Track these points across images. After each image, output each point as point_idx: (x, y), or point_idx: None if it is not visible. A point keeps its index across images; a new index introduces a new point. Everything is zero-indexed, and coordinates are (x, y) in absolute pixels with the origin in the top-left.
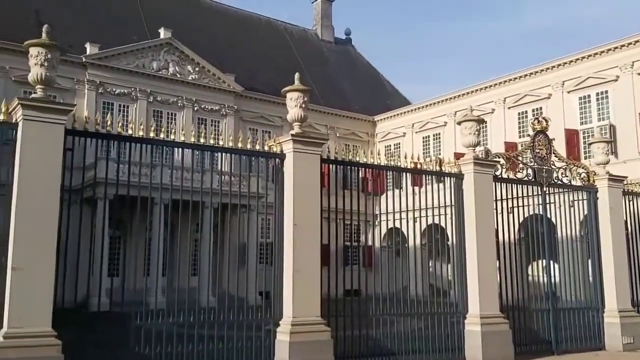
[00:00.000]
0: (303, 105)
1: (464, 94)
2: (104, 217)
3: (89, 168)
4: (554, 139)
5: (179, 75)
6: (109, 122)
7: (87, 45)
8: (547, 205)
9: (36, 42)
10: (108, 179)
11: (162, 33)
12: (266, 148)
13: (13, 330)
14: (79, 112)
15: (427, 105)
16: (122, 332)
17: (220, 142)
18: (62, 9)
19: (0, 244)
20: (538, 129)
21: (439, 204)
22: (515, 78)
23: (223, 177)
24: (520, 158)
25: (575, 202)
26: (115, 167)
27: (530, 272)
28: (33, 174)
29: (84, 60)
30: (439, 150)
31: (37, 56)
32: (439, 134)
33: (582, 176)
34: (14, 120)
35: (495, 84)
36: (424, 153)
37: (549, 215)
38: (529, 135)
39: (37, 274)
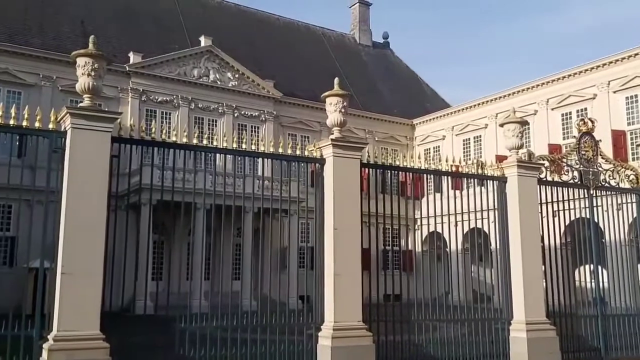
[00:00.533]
0: (342, 110)
1: (505, 96)
2: (149, 223)
3: (133, 174)
4: (600, 140)
5: (219, 82)
6: (153, 130)
7: (131, 55)
8: (594, 209)
9: (83, 52)
10: (148, 184)
11: (203, 41)
12: (306, 153)
13: (63, 333)
14: (123, 119)
15: (467, 108)
16: (167, 336)
17: (262, 148)
18: (106, 20)
19: (51, 249)
20: (584, 131)
21: (481, 208)
22: (559, 78)
23: (262, 182)
24: (565, 160)
25: (624, 205)
26: (159, 173)
27: (577, 277)
28: (81, 181)
29: (127, 69)
30: (480, 152)
31: (84, 66)
32: (480, 136)
33: (630, 178)
34: (62, 129)
35: (538, 85)
36: (464, 156)
37: (595, 219)
38: (573, 137)
39: (85, 278)
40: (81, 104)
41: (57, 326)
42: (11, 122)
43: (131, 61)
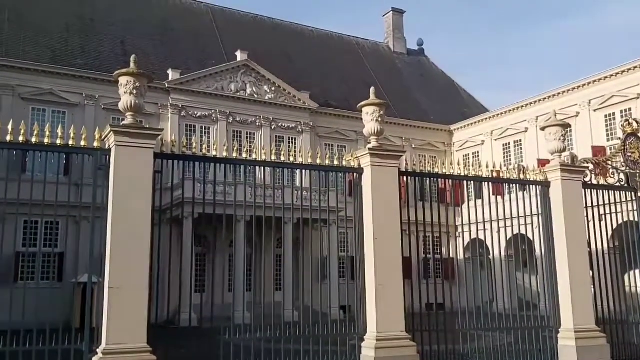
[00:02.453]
0: (379, 119)
1: (545, 98)
2: (192, 236)
3: (175, 188)
4: None
5: (256, 96)
6: (194, 145)
7: (170, 72)
8: None
9: (125, 71)
10: (190, 198)
11: (239, 55)
12: (344, 163)
13: (111, 347)
14: (164, 135)
15: (506, 112)
16: (211, 348)
17: (300, 159)
18: (145, 38)
19: (98, 264)
20: (629, 132)
21: (525, 214)
22: (600, 79)
23: (301, 192)
24: (610, 163)
25: None
26: (200, 187)
27: (626, 283)
28: (126, 197)
29: (167, 85)
30: (521, 157)
31: (126, 85)
32: (520, 140)
33: None
34: (107, 147)
35: (579, 86)
36: (504, 161)
37: None
38: (618, 138)
39: (132, 292)
40: (124, 122)
41: (105, 340)
42: (58, 141)
43: (170, 78)
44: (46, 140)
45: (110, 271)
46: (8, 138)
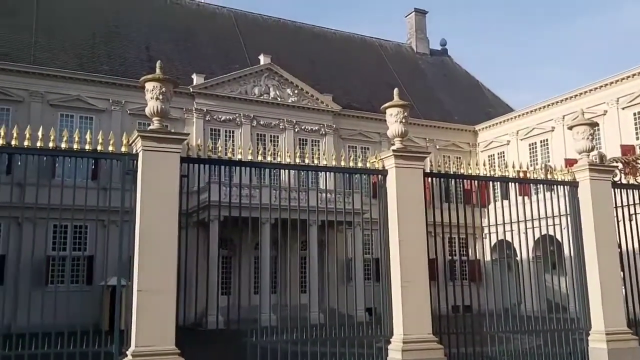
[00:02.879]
0: (403, 121)
1: (571, 97)
2: (218, 239)
3: (200, 192)
4: None
5: (279, 99)
6: (219, 149)
7: (194, 76)
8: None
9: (151, 77)
10: (216, 201)
11: (262, 59)
12: (368, 165)
13: (141, 349)
14: (189, 139)
15: (532, 111)
16: (237, 349)
17: (324, 162)
18: (169, 44)
19: (126, 267)
20: None
21: (553, 214)
22: (629, 76)
23: (325, 195)
24: None
25: None
26: (224, 190)
27: None
28: (153, 201)
29: (191, 90)
30: (547, 157)
31: (152, 90)
32: (547, 140)
33: None
34: (134, 151)
35: (606, 84)
36: (530, 161)
37: None
38: None
39: (161, 295)
40: (151, 127)
41: (134, 342)
42: (87, 147)
43: (194, 82)
44: (75, 146)
45: (139, 274)
46: (38, 144)
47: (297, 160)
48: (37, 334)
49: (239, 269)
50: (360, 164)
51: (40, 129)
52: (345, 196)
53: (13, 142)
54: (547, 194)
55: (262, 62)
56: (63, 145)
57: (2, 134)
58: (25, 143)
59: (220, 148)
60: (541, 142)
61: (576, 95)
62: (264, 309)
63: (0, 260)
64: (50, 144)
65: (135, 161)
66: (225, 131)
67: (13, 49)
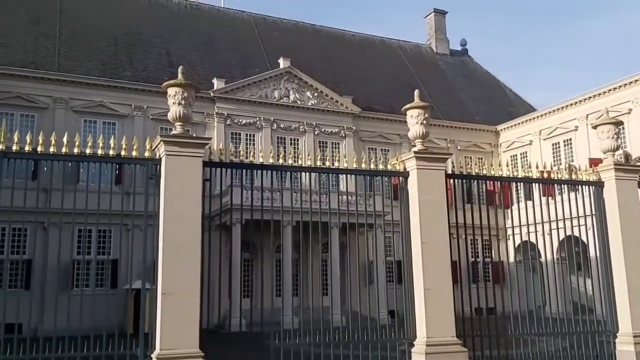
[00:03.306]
0: (424, 122)
1: (595, 96)
2: (239, 242)
3: (222, 195)
4: None
5: (299, 102)
6: (241, 152)
7: (214, 81)
8: None
9: (173, 82)
10: (238, 205)
11: (282, 63)
12: (389, 167)
13: (165, 352)
14: (211, 143)
15: (555, 110)
16: (261, 352)
17: (344, 164)
18: (189, 49)
19: (150, 270)
20: None
21: (577, 214)
22: None
23: (345, 197)
24: None
25: None
26: (246, 193)
27: None
28: (177, 205)
29: (212, 95)
30: (571, 156)
31: (174, 95)
32: (570, 139)
33: None
34: (157, 156)
35: (631, 82)
36: (554, 161)
37: None
38: None
39: (184, 298)
40: (173, 132)
41: (159, 345)
42: (110, 152)
43: (215, 87)
44: (100, 152)
45: (163, 278)
46: (64, 150)
47: (318, 163)
48: (63, 337)
49: (262, 272)
50: (381, 166)
51: (66, 135)
52: (367, 198)
53: (39, 149)
54: (572, 195)
55: (281, 66)
56: (88, 151)
57: (29, 140)
58: (51, 149)
59: (241, 152)
60: (564, 141)
61: (600, 94)
62: (286, 312)
63: (27, 265)
64: (75, 150)
65: (158, 166)
66: (246, 135)
67: (38, 56)
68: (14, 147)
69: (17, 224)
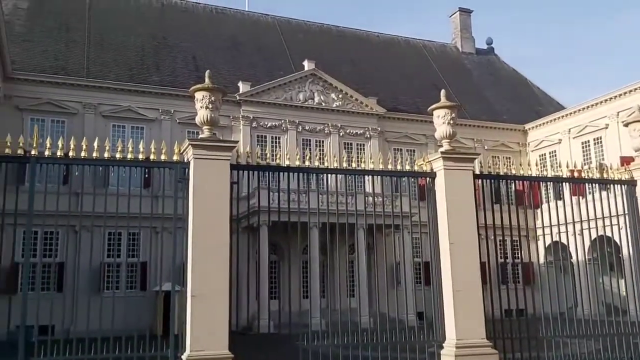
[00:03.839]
0: (451, 122)
1: (626, 93)
2: (267, 244)
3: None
4: None
5: (324, 104)
6: (268, 155)
7: (240, 84)
8: None
9: (201, 87)
10: (265, 207)
11: (306, 65)
12: (415, 167)
13: (195, 353)
14: (237, 146)
15: (584, 108)
16: (289, 354)
17: (370, 165)
18: (215, 53)
19: (179, 272)
20: None
21: (610, 214)
22: None
23: (371, 198)
24: None
25: None
26: (272, 195)
27: None
28: (205, 208)
29: (238, 98)
30: (602, 155)
31: (202, 99)
32: (600, 137)
33: None
34: (185, 160)
35: None
36: (584, 159)
37: None
38: None
39: (214, 300)
40: (201, 136)
41: (189, 346)
42: (140, 156)
43: (241, 90)
44: (129, 156)
45: (193, 280)
46: (94, 155)
47: (345, 165)
48: (95, 338)
49: (289, 274)
50: (408, 167)
51: (96, 140)
52: (393, 199)
53: (70, 154)
54: (603, 194)
55: (306, 68)
56: (118, 156)
57: (60, 146)
58: (83, 154)
59: (268, 154)
60: (595, 139)
61: (631, 91)
62: (314, 313)
63: (59, 268)
64: (106, 155)
65: (187, 169)
66: (272, 137)
67: (68, 63)
68: (46, 153)
69: (50, 227)
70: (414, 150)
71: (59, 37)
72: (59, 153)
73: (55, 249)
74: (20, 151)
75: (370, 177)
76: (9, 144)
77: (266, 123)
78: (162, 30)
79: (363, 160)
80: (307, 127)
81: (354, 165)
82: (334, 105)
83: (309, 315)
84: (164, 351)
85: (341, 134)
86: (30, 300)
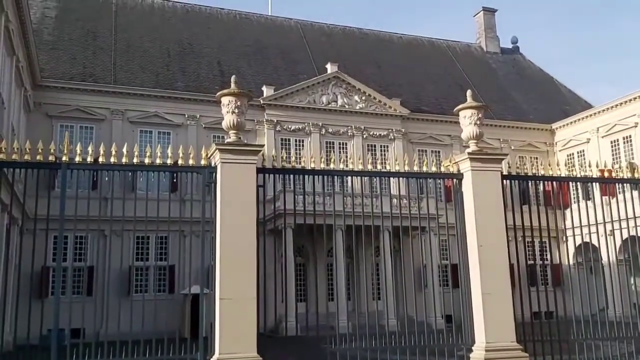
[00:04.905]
0: (478, 122)
1: None
2: (292, 246)
3: (275, 199)
4: None
5: (347, 106)
6: (293, 158)
7: (264, 88)
8: None
9: (227, 92)
10: (290, 210)
11: (329, 68)
12: (442, 169)
13: (223, 356)
14: (263, 150)
15: (613, 107)
16: (316, 356)
17: (396, 167)
18: (239, 58)
19: (207, 275)
20: None
21: None
22: None
23: (397, 200)
24: None
25: None
26: (298, 198)
27: None
28: (233, 211)
29: (261, 102)
30: (631, 154)
31: (228, 104)
32: (630, 136)
33: None
34: (212, 164)
35: None
36: (613, 158)
37: None
38: None
39: (242, 302)
40: (228, 140)
41: (218, 349)
42: (168, 161)
43: (264, 94)
44: (158, 161)
45: (221, 283)
46: (124, 160)
47: (370, 167)
48: (126, 341)
49: (316, 276)
50: (434, 169)
51: (125, 146)
52: (419, 201)
53: (100, 159)
54: (634, 193)
55: (329, 71)
56: (146, 161)
57: (90, 151)
58: (112, 160)
59: (293, 157)
60: (624, 138)
61: None
62: (340, 316)
63: (89, 272)
64: (135, 160)
65: (214, 173)
66: (295, 140)
67: (96, 70)
68: (77, 159)
69: (81, 232)
70: (438, 151)
71: (87, 44)
72: (88, 159)
73: (85, 253)
74: (51, 157)
75: (395, 178)
76: (40, 150)
77: (290, 126)
78: (187, 36)
79: (388, 162)
80: (330, 130)
81: (378, 167)
82: (357, 108)
83: (335, 318)
84: (194, 354)
85: (365, 136)
86: (61, 303)
